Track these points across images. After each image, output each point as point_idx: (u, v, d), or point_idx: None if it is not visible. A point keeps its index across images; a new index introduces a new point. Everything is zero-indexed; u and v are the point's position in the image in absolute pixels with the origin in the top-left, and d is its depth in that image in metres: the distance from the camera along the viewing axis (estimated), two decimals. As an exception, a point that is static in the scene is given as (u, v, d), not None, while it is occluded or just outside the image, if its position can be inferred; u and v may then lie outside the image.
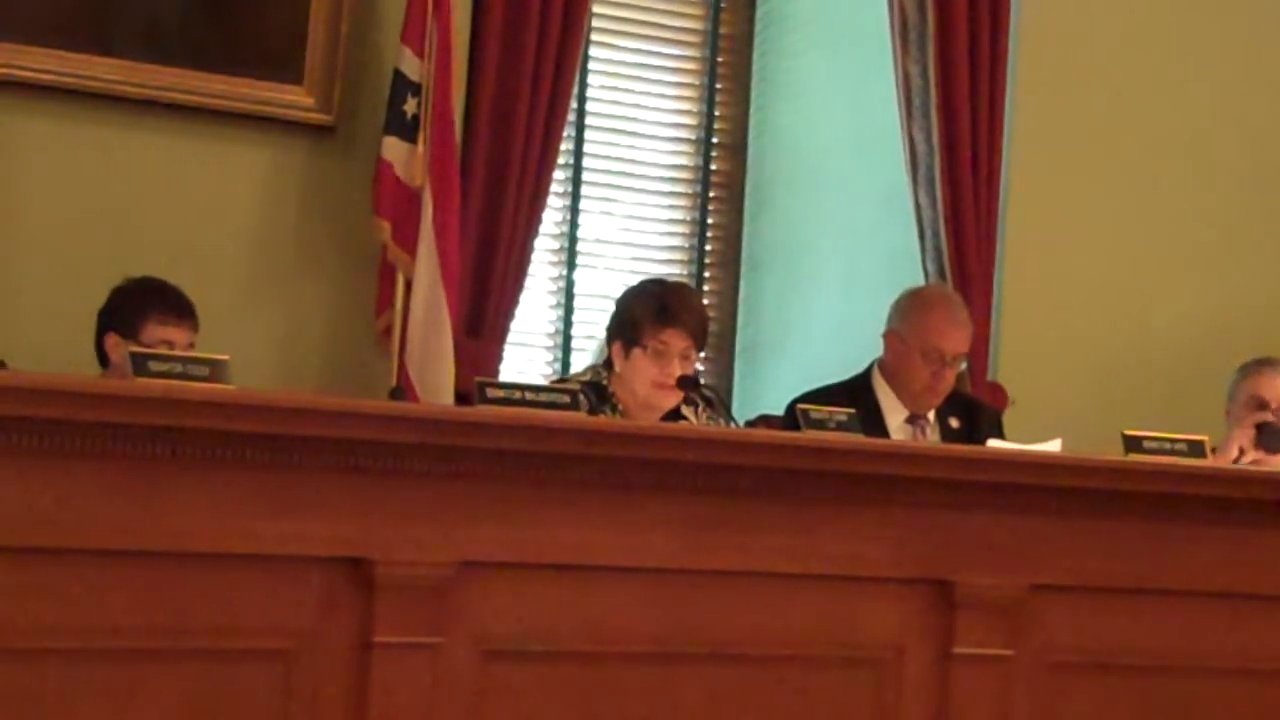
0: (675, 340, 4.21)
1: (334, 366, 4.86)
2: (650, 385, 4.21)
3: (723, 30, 6.07)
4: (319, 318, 4.86)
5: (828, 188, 5.96)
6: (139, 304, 4.13)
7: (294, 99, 4.80)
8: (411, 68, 4.69)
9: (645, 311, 4.23)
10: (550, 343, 5.72)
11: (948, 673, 3.50)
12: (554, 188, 5.24)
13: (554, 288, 5.72)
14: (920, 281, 5.44)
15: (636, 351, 4.22)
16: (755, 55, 6.11)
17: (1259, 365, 5.15)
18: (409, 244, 4.67)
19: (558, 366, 5.68)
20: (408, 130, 4.69)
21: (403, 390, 4.58)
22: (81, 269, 4.47)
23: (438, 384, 4.62)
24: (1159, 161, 6.00)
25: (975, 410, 4.88)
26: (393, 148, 4.68)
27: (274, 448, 2.94)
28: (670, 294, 4.30)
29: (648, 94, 5.97)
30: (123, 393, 2.86)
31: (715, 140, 6.06)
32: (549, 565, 3.17)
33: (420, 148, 4.69)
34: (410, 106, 4.68)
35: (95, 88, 4.59)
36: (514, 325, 5.07)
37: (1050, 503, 3.57)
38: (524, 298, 5.09)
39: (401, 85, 4.68)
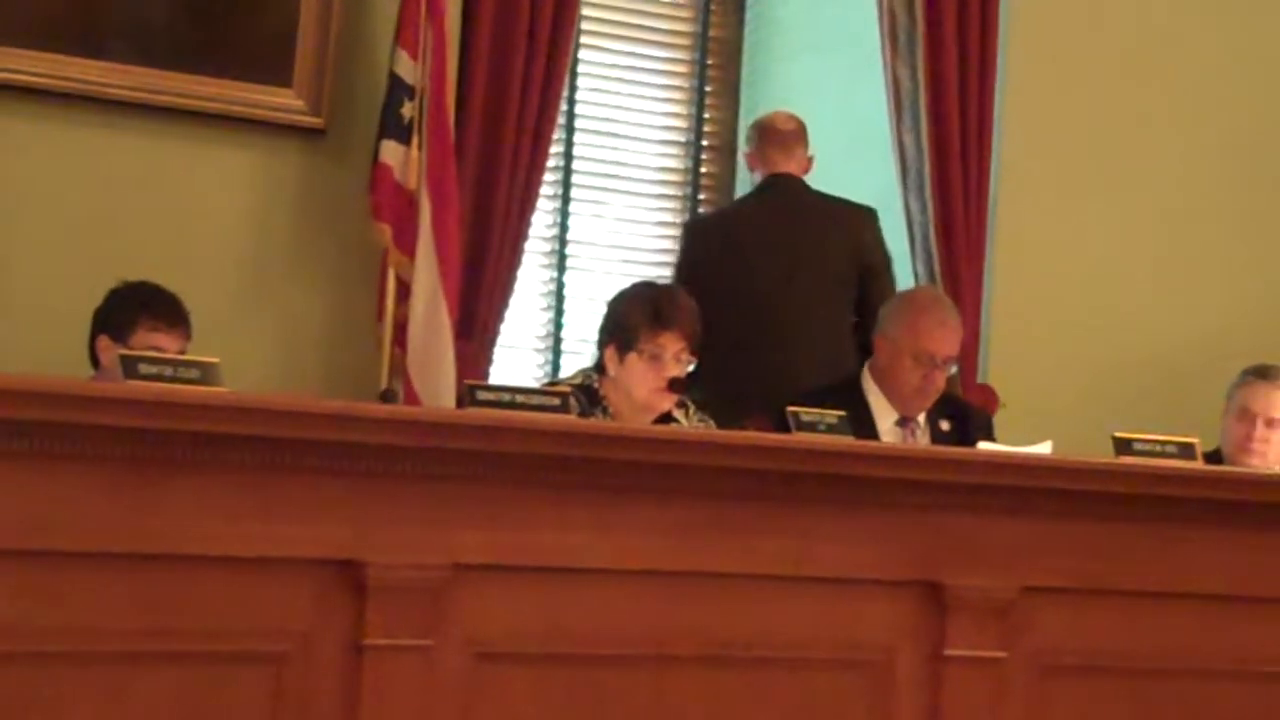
0: (670, 343, 4.21)
1: (331, 370, 4.84)
2: (648, 389, 4.21)
3: (712, 33, 6.07)
4: (313, 321, 4.85)
5: (818, 191, 5.96)
6: (130, 308, 4.12)
7: (284, 102, 4.79)
8: (407, 71, 4.68)
9: (639, 316, 4.22)
10: (540, 345, 5.71)
11: (940, 675, 3.49)
12: (544, 190, 5.25)
13: (544, 290, 5.72)
14: (910, 284, 5.44)
15: (632, 356, 4.22)
16: (745, 58, 6.12)
17: (1258, 375, 5.10)
18: (409, 247, 4.66)
19: (548, 369, 5.68)
20: (404, 133, 4.68)
21: (392, 393, 4.57)
22: (72, 272, 4.46)
23: (439, 387, 4.60)
24: (1149, 164, 6.01)
25: (965, 413, 4.87)
26: (391, 151, 4.67)
27: (264, 450, 2.93)
28: (663, 297, 4.30)
29: (637, 97, 5.97)
30: (112, 395, 2.84)
31: (705, 143, 6.07)
32: (540, 568, 3.17)
33: (415, 151, 4.68)
34: (407, 110, 4.68)
35: (85, 90, 4.58)
36: (504, 328, 5.07)
37: (1041, 505, 3.57)
38: (514, 300, 5.09)
39: (398, 89, 4.68)
